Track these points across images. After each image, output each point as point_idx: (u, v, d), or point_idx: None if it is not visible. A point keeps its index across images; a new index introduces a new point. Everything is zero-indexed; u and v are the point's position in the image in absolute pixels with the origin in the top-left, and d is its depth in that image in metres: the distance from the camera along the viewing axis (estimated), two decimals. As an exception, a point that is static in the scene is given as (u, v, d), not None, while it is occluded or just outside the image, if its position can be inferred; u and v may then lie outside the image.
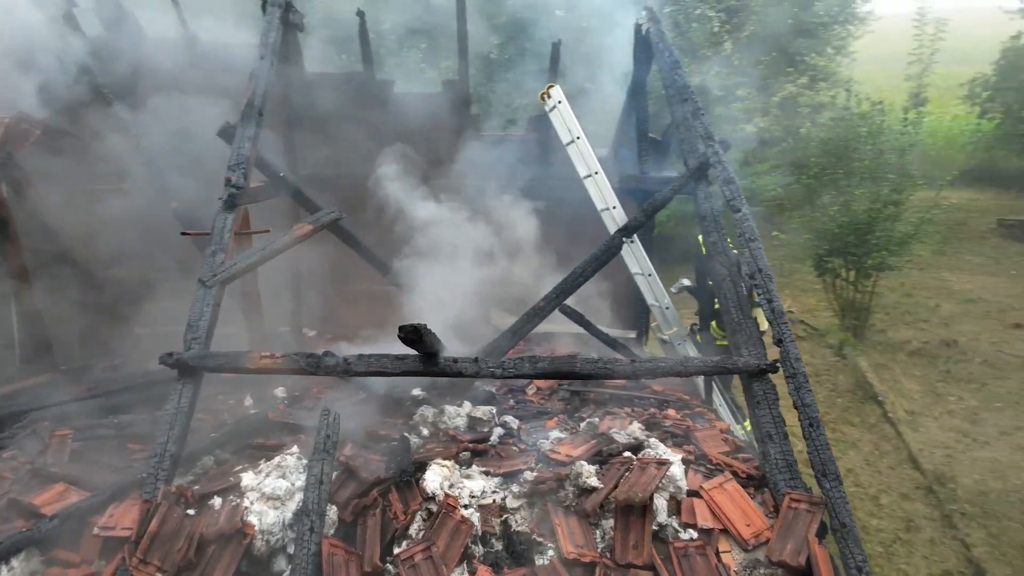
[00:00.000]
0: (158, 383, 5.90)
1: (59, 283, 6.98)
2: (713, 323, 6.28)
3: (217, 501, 3.95)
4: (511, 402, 5.90)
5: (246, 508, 3.87)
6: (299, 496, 3.99)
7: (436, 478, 4.10)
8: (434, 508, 3.98)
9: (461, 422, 5.09)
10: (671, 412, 5.40)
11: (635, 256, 6.29)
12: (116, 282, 7.43)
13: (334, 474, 4.15)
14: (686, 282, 6.78)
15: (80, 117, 7.01)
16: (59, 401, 5.28)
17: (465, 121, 8.59)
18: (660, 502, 4.04)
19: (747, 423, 6.03)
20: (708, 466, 4.39)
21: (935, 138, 18.86)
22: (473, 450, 4.65)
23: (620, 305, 8.23)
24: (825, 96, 16.70)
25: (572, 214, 7.24)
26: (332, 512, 3.97)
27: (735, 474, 4.32)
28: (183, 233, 5.37)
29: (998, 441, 10.03)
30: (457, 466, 4.34)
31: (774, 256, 13.88)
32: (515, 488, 4.24)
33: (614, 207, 6.13)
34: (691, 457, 4.48)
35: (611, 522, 3.96)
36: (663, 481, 4.08)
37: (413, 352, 4.39)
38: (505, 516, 4.05)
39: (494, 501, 4.16)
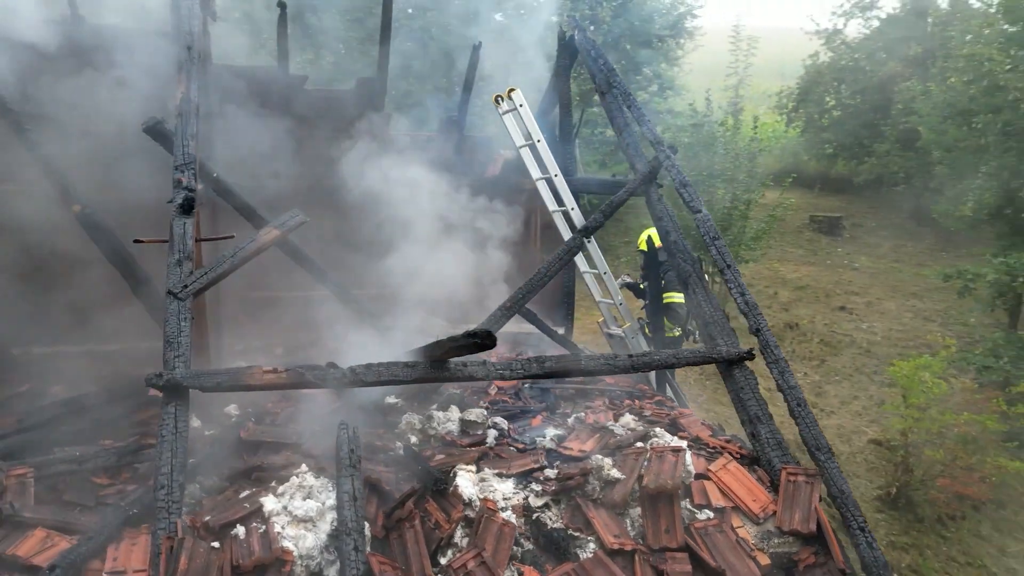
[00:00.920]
0: (89, 408, 5.30)
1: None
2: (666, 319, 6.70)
3: (241, 530, 3.66)
4: (481, 403, 5.92)
5: (278, 534, 3.62)
6: (330, 516, 3.80)
7: (468, 484, 4.07)
8: (471, 514, 3.95)
9: (453, 426, 5.05)
10: (647, 403, 5.70)
11: (592, 256, 6.54)
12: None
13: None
14: (627, 279, 7.14)
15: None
16: (-10, 437, 4.56)
17: (374, 120, 8.36)
18: (674, 487, 4.28)
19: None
20: (708, 450, 4.72)
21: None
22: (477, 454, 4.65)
23: (547, 304, 8.49)
24: (684, 103, 18.10)
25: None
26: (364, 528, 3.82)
27: (731, 455, 4.68)
28: (136, 241, 4.83)
29: (840, 410, 11.56)
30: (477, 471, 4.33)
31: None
32: (534, 487, 4.31)
33: (573, 208, 6.33)
34: (690, 443, 4.79)
35: (637, 511, 4.16)
36: (676, 467, 4.34)
37: (421, 359, 4.33)
38: (536, 515, 4.11)
39: (518, 501, 4.21)
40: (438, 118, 9.72)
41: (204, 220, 7.23)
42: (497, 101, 6.63)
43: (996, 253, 10.74)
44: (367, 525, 3.84)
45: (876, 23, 19.67)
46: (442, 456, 4.48)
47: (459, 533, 3.87)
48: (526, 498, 4.23)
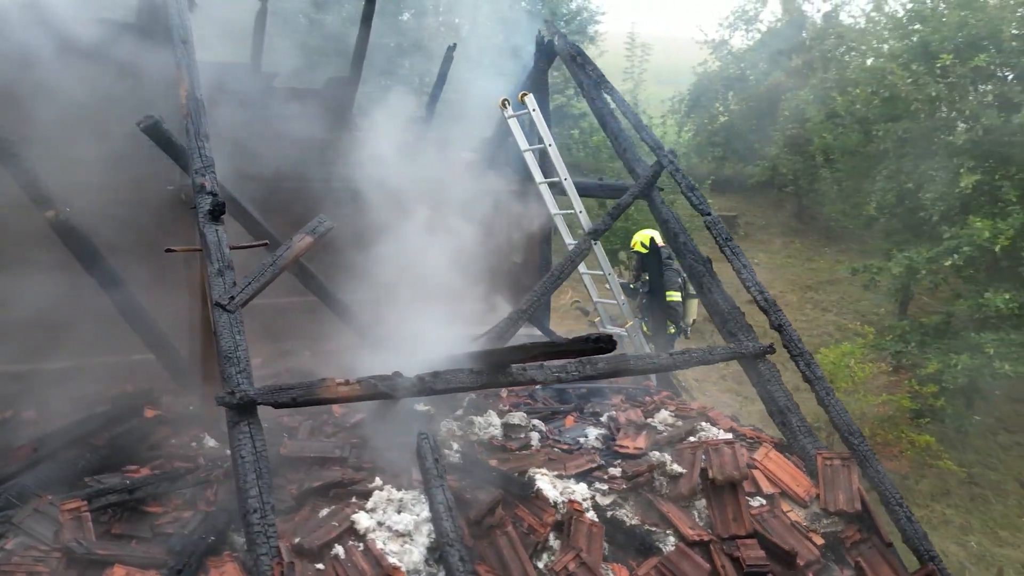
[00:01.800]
0: (98, 432, 4.90)
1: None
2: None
3: (340, 549, 3.54)
4: (500, 406, 5.96)
5: (381, 550, 3.54)
6: (425, 528, 3.75)
7: (550, 487, 4.13)
8: (558, 517, 4.02)
9: (496, 431, 5.07)
10: (664, 399, 5.94)
11: (597, 257, 6.71)
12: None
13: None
14: (619, 279, 7.36)
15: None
16: (13, 472, 4.12)
17: (341, 122, 8.15)
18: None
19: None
20: (747, 440, 5.00)
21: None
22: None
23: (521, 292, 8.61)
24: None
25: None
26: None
27: (768, 445, 4.99)
28: (168, 250, 4.49)
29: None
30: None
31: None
32: (599, 486, 4.43)
33: (580, 212, 6.48)
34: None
35: (700, 503, 4.38)
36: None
37: (483, 367, 4.34)
38: (609, 513, 4.23)
39: (585, 501, 4.31)
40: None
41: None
42: (504, 105, 6.65)
43: (897, 248, 11.81)
44: (460, 535, 3.82)
45: (758, 35, 21.03)
46: (495, 461, 4.50)
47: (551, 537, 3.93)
48: (593, 497, 4.35)
